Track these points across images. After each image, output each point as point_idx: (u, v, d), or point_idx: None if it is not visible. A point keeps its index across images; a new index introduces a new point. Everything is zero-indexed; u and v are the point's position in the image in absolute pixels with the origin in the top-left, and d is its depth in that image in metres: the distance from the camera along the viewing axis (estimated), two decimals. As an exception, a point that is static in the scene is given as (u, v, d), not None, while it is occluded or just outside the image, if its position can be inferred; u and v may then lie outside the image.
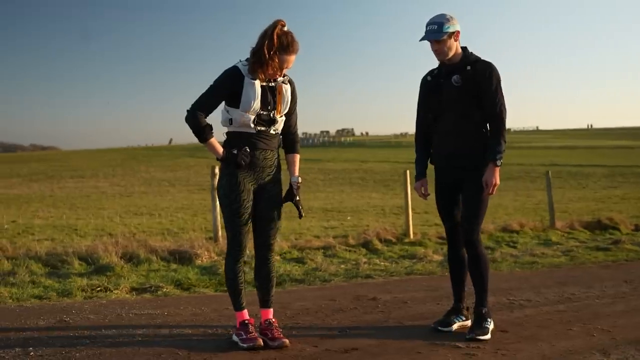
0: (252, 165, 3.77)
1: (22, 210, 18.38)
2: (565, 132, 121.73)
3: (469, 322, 4.19)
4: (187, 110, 3.72)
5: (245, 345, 3.70)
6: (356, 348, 3.76)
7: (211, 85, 3.73)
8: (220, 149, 3.76)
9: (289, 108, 3.88)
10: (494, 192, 4.06)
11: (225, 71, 3.74)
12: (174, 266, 6.98)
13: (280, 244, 8.44)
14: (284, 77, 3.82)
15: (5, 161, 62.01)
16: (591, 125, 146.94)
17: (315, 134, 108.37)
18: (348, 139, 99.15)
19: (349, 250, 8.29)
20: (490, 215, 15.31)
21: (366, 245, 8.68)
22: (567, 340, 3.95)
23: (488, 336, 4.00)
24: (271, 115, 3.77)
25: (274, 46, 3.62)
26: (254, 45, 3.70)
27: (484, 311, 4.12)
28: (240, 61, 3.75)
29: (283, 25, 3.68)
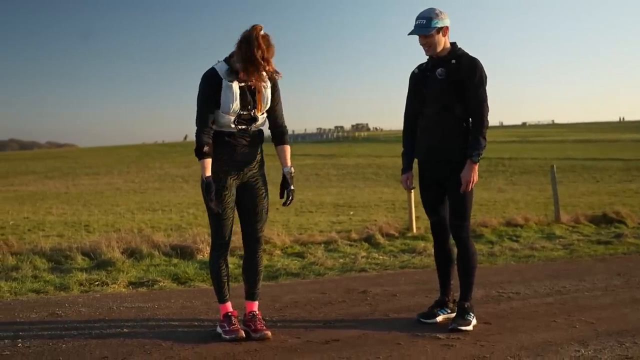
0: (234, 161, 3.85)
1: (37, 207, 18.63)
2: (579, 126, 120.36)
3: (453, 315, 4.24)
4: (195, 129, 3.81)
5: (227, 336, 3.79)
6: (337, 339, 3.83)
7: (198, 98, 3.80)
8: (207, 173, 3.77)
9: (272, 102, 3.94)
10: (468, 189, 4.10)
11: (203, 76, 3.81)
12: (175, 261, 7.07)
13: (282, 238, 8.51)
14: None
15: (21, 158, 62.72)
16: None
17: (329, 129, 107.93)
18: (362, 134, 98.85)
19: (351, 245, 8.34)
20: (501, 210, 15.29)
21: (368, 239, 8.71)
22: (548, 332, 4.00)
23: (470, 327, 4.06)
24: (252, 114, 3.84)
25: (264, 51, 3.67)
26: (237, 50, 3.74)
27: (466, 305, 4.17)
28: (219, 62, 3.81)
29: (261, 29, 3.72)
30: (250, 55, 3.67)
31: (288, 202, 4.02)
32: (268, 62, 3.70)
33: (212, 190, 3.76)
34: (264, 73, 3.76)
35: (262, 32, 3.72)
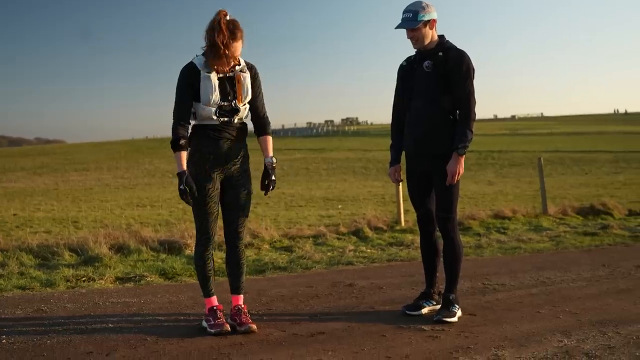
0: (218, 155, 3.84)
1: (25, 204, 18.53)
2: (568, 118, 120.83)
3: (438, 307, 4.26)
4: (172, 123, 3.81)
5: (213, 330, 3.80)
6: (323, 332, 3.84)
7: (176, 92, 3.80)
8: (183, 166, 3.77)
9: (252, 93, 3.94)
10: (454, 181, 4.11)
11: (182, 70, 3.81)
12: (162, 256, 7.06)
13: (271, 232, 8.51)
14: (240, 65, 3.88)
15: (10, 155, 62.27)
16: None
17: (319, 124, 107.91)
18: (352, 128, 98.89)
19: (339, 239, 8.35)
20: (490, 202, 15.36)
21: (357, 233, 8.73)
22: (532, 323, 4.03)
23: (455, 319, 4.08)
24: (233, 104, 3.84)
25: (225, 36, 3.67)
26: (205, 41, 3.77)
27: (451, 297, 4.20)
28: (197, 56, 3.82)
29: (225, 15, 3.74)
30: (211, 40, 3.70)
31: (268, 192, 4.04)
32: (228, 47, 3.69)
33: (189, 184, 3.74)
34: (226, 60, 3.75)
35: (227, 17, 3.73)
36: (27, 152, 69.15)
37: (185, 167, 3.78)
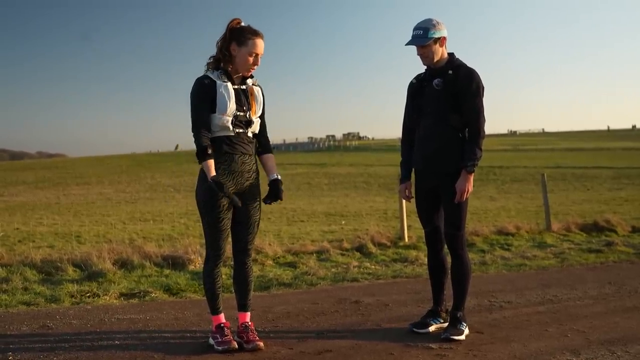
0: (231, 170, 3.84)
1: (27, 218, 18.50)
2: (569, 134, 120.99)
3: (446, 325, 4.25)
4: (193, 133, 3.78)
5: (220, 348, 3.78)
6: (330, 350, 3.83)
7: (192, 102, 3.79)
8: (213, 173, 3.73)
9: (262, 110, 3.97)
10: (463, 199, 4.10)
11: (197, 81, 3.82)
12: (166, 272, 7.04)
13: (274, 248, 8.50)
14: (252, 77, 3.93)
15: (12, 168, 62.33)
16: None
17: (321, 139, 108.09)
18: (353, 142, 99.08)
19: (343, 254, 8.33)
20: (492, 218, 15.31)
21: (360, 249, 8.71)
22: (540, 341, 4.01)
23: (462, 337, 4.07)
24: (247, 115, 3.86)
25: (225, 41, 3.81)
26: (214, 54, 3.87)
27: (459, 315, 4.18)
28: (206, 71, 3.85)
29: (239, 23, 3.84)
30: (221, 47, 3.83)
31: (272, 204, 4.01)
32: (227, 50, 3.80)
33: (224, 190, 3.69)
34: (240, 60, 3.81)
35: (240, 24, 3.83)
36: (29, 165, 69.19)
37: (215, 173, 3.72)
